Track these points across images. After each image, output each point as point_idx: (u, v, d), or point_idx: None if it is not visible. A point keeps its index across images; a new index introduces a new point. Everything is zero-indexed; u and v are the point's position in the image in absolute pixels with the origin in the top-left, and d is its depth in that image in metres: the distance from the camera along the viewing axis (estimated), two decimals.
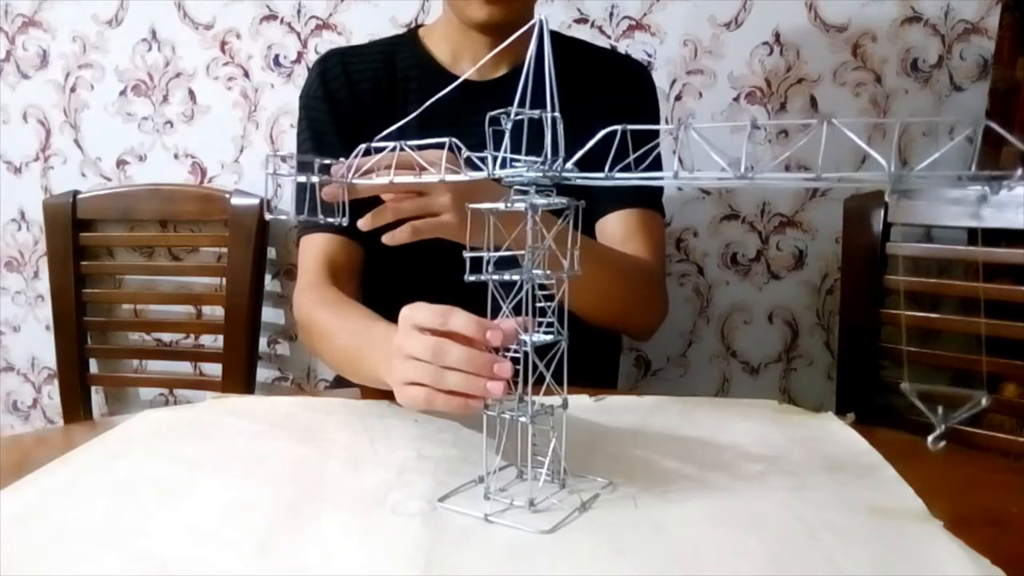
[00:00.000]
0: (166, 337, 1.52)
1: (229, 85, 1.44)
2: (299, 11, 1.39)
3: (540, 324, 0.58)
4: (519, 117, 0.52)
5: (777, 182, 0.45)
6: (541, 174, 0.54)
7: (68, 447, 0.69)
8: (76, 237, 1.44)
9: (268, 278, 1.45)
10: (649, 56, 1.33)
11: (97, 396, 1.55)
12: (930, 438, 0.47)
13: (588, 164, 0.53)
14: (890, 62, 1.29)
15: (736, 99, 1.33)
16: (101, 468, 0.65)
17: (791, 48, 1.31)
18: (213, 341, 1.45)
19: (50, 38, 1.46)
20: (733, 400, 0.85)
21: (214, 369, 1.45)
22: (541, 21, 0.54)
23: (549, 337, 0.57)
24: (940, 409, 0.46)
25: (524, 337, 0.56)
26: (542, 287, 0.57)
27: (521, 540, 0.53)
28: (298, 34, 1.40)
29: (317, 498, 0.59)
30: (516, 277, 0.56)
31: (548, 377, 0.57)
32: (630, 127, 0.52)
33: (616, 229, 1.01)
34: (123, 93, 1.46)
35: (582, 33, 1.33)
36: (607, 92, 1.02)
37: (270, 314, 1.45)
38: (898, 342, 1.23)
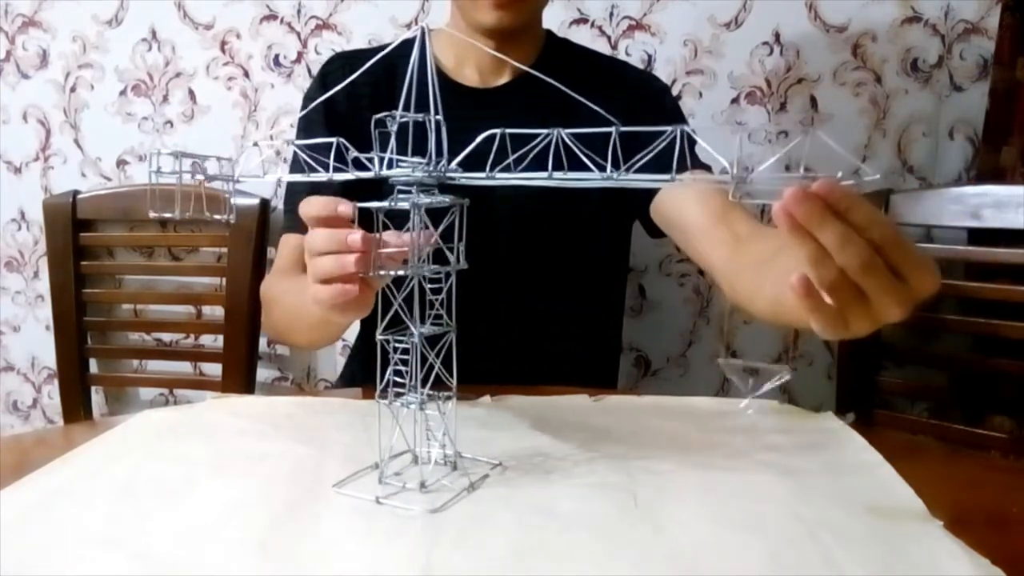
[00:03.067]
0: (166, 337, 1.52)
1: (229, 85, 1.44)
2: (299, 11, 1.39)
3: (430, 316, 0.60)
4: (404, 120, 0.54)
5: (639, 182, 0.48)
6: (426, 174, 0.56)
7: (68, 447, 0.69)
8: (76, 237, 1.44)
9: None
10: (649, 56, 1.33)
11: (97, 396, 1.55)
12: (741, 404, 0.55)
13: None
14: (890, 62, 1.29)
15: (736, 99, 1.33)
16: (101, 468, 0.65)
17: (791, 48, 1.30)
18: (213, 341, 1.45)
19: (50, 38, 1.46)
20: (733, 400, 0.84)
21: (214, 369, 1.44)
22: (422, 28, 0.55)
23: (437, 328, 0.60)
24: (750, 380, 0.53)
25: (413, 328, 0.58)
26: (431, 281, 0.59)
27: (521, 540, 0.53)
28: (298, 34, 1.40)
29: (317, 498, 0.59)
30: (403, 272, 0.58)
31: (438, 365, 0.59)
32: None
33: (701, 202, 0.88)
34: (123, 93, 1.46)
35: (582, 32, 1.33)
36: (627, 96, 1.00)
37: None
38: (897, 341, 1.23)
